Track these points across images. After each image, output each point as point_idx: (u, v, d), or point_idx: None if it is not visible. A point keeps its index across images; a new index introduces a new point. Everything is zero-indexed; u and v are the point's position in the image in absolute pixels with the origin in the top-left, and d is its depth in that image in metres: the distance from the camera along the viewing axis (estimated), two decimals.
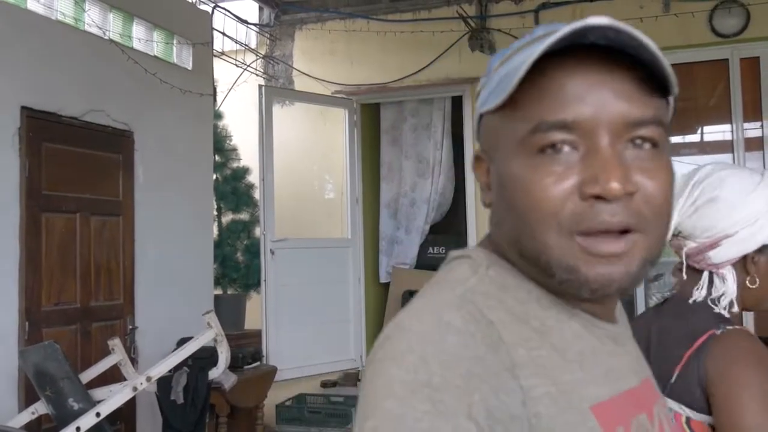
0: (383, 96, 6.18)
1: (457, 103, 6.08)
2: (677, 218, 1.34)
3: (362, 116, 6.27)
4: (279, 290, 5.57)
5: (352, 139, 6.15)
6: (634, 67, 0.66)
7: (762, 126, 5.27)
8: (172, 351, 3.70)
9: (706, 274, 1.34)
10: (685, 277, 1.36)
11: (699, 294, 1.33)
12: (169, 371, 3.71)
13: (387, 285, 6.37)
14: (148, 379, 3.30)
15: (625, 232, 0.65)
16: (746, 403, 1.15)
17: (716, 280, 1.33)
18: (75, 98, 4.13)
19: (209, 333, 3.48)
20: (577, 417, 0.64)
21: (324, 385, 5.80)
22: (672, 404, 1.25)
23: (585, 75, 0.65)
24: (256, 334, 5.59)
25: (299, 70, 6.28)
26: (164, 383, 3.69)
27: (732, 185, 1.30)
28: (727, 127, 5.40)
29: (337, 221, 6.30)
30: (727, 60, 5.26)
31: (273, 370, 4.96)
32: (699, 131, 5.85)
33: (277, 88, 6.15)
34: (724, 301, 1.31)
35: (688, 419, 1.24)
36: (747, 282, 1.33)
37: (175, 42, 5.03)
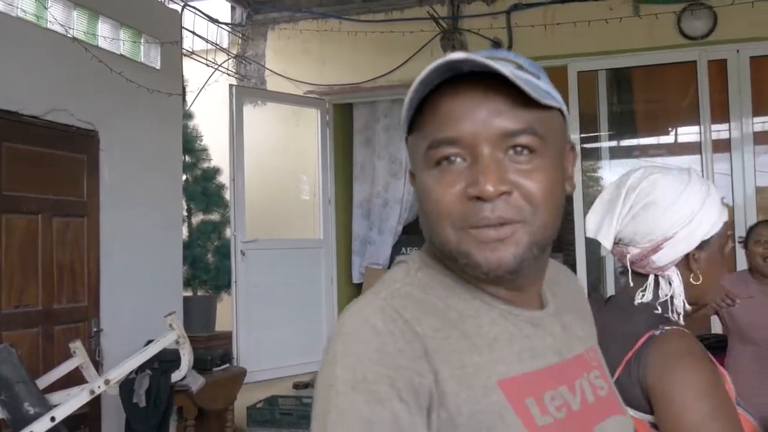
0: (356, 96, 6.16)
1: None
2: (617, 226, 1.35)
3: (335, 116, 6.25)
4: (250, 291, 5.53)
5: (325, 139, 6.12)
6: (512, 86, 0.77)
7: (729, 128, 5.29)
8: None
9: (651, 278, 1.36)
10: (631, 283, 1.39)
11: (644, 297, 1.35)
12: (134, 374, 3.67)
13: (360, 285, 6.34)
14: (107, 382, 3.25)
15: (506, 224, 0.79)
16: (687, 401, 1.17)
17: (662, 282, 1.35)
18: (36, 97, 4.07)
19: (171, 335, 3.43)
20: (481, 392, 0.78)
21: (296, 386, 5.76)
22: None
23: (467, 98, 0.79)
24: (227, 336, 5.54)
25: (271, 70, 6.24)
26: (127, 386, 3.64)
27: (664, 188, 1.32)
28: (695, 128, 5.42)
29: (309, 222, 6.27)
30: (695, 62, 5.28)
31: (242, 372, 4.91)
32: (668, 133, 5.89)
33: (248, 88, 6.11)
34: (677, 301, 1.33)
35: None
36: (691, 279, 1.35)
37: (142, 41, 4.97)
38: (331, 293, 6.11)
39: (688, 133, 5.67)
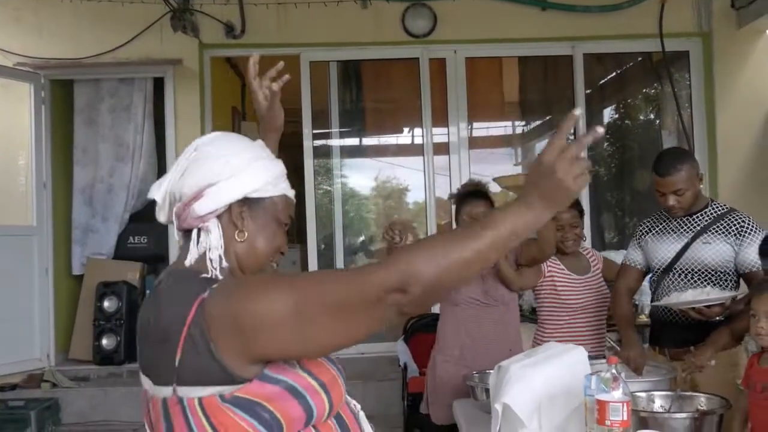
0: (77, 72, 5.72)
1: (159, 85, 5.79)
2: (169, 182, 1.35)
3: (53, 93, 5.75)
4: None
5: (39, 117, 5.60)
6: None
7: (448, 130, 5.64)
8: None
9: (194, 232, 1.33)
10: (180, 242, 1.38)
11: (191, 257, 1.32)
12: None
13: (81, 277, 5.89)
14: None
15: None
16: (260, 307, 1.15)
17: (202, 235, 1.32)
18: None
19: None
20: None
21: (2, 388, 5.23)
22: (185, 391, 1.20)
23: None
24: None
25: None
26: None
27: (219, 145, 1.37)
28: (419, 128, 5.71)
29: (22, 207, 5.69)
30: (418, 59, 5.56)
31: None
32: (395, 132, 6.17)
33: None
34: (213, 255, 1.30)
35: (200, 399, 1.19)
36: (236, 236, 1.34)
37: None
38: (46, 285, 5.60)
39: (413, 134, 5.97)
